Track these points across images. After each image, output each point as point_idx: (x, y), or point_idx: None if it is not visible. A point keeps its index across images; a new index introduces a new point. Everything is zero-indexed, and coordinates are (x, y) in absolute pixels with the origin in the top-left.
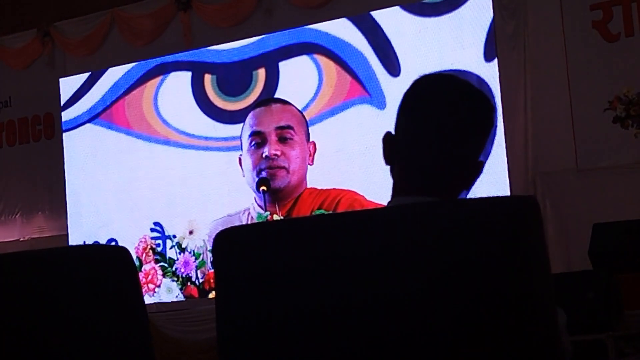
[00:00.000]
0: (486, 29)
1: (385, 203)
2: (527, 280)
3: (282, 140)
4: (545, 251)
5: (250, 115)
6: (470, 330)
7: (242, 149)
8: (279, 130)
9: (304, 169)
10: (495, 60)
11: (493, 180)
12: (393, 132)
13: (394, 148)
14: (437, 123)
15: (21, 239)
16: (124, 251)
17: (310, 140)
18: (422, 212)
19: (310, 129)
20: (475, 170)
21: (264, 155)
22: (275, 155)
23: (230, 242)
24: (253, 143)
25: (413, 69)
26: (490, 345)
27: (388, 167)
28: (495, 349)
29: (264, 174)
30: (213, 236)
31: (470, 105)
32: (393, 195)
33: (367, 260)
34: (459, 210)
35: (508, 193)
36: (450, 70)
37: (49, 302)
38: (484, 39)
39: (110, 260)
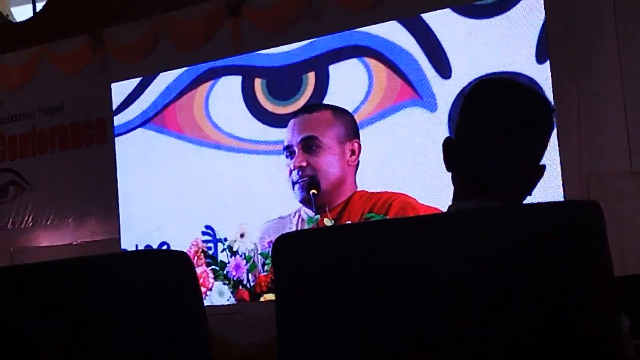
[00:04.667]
0: (538, 31)
1: (437, 206)
2: (592, 286)
3: (307, 150)
4: (609, 256)
5: (287, 127)
6: (534, 336)
7: None
8: (303, 142)
9: (342, 171)
10: (548, 62)
11: (546, 183)
12: (453, 137)
13: (454, 153)
14: (498, 126)
15: (74, 243)
16: (184, 256)
17: (352, 139)
18: (484, 216)
19: (361, 132)
20: (536, 173)
21: (293, 167)
22: (301, 166)
23: (289, 247)
24: (288, 156)
25: (464, 71)
26: (556, 351)
27: (439, 170)
28: (560, 355)
29: (297, 186)
30: (264, 239)
31: (531, 107)
32: (454, 200)
33: (429, 266)
34: (521, 215)
35: (561, 196)
36: (502, 72)
37: (110, 308)
38: (535, 41)
39: (172, 264)
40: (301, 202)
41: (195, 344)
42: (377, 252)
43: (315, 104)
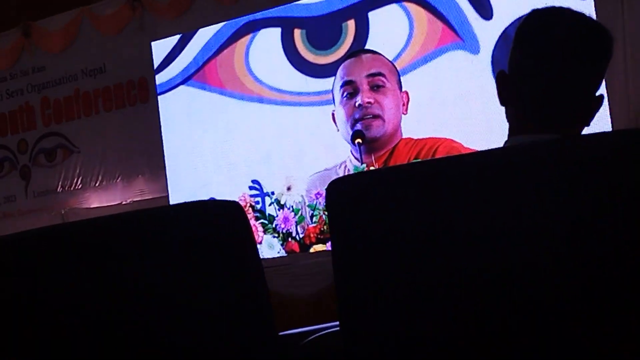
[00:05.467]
0: None
1: (483, 149)
2: None
3: (374, 88)
4: None
5: (341, 67)
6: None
7: (334, 102)
8: (370, 77)
9: (398, 118)
10: None
11: (594, 121)
12: (506, 71)
13: (509, 86)
14: (553, 57)
15: (123, 202)
16: (237, 205)
17: (403, 90)
18: (542, 150)
19: (403, 78)
20: (594, 104)
21: (356, 105)
22: (369, 103)
23: (343, 190)
24: (345, 94)
25: (505, 11)
26: (625, 282)
27: (485, 113)
28: (629, 284)
29: (358, 125)
30: (311, 191)
31: (588, 36)
32: (510, 135)
33: (487, 204)
34: (583, 146)
35: (610, 129)
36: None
37: (163, 262)
38: None
39: (225, 214)
40: (352, 140)
41: (254, 293)
42: (434, 192)
43: (372, 49)
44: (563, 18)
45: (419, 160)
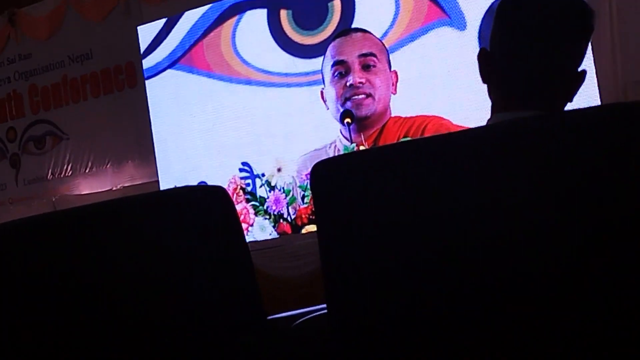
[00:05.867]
0: None
1: (472, 126)
2: None
3: (366, 67)
4: None
5: (330, 46)
6: (592, 249)
7: (324, 82)
8: (362, 57)
9: (388, 97)
10: None
11: (582, 91)
12: (488, 48)
13: (491, 64)
14: (534, 32)
15: (113, 189)
16: (221, 189)
17: (392, 69)
18: (528, 126)
19: (390, 56)
20: (577, 79)
21: (348, 84)
22: (360, 83)
23: (327, 173)
24: (336, 73)
25: None
26: (618, 254)
27: (472, 90)
28: (623, 256)
29: (349, 103)
30: (301, 172)
31: (568, 11)
32: (493, 113)
33: (471, 182)
34: (567, 122)
35: (598, 104)
36: None
37: (150, 248)
38: None
39: (209, 199)
40: (341, 120)
41: (241, 277)
42: (418, 171)
43: (361, 28)
44: None
45: (407, 138)
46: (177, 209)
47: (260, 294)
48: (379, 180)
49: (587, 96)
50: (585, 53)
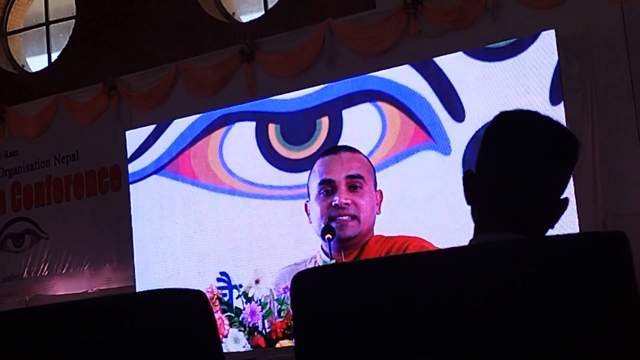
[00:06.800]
0: (551, 73)
1: None
2: (621, 316)
3: (352, 188)
4: (637, 286)
5: (318, 162)
6: None
7: (309, 196)
8: (349, 179)
9: (372, 218)
10: (562, 104)
11: (562, 224)
12: (474, 170)
13: (476, 186)
14: (519, 158)
15: (89, 291)
16: (201, 294)
17: (377, 189)
18: (508, 249)
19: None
20: (559, 207)
21: (333, 204)
22: (346, 204)
23: (308, 283)
24: (322, 191)
25: (477, 114)
26: None
27: (455, 213)
28: None
29: (333, 224)
30: (279, 285)
31: (554, 140)
32: (475, 234)
33: (450, 300)
34: (547, 247)
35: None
36: None
37: (127, 347)
38: (549, 83)
39: (188, 302)
40: (322, 236)
41: None
42: (397, 287)
43: (351, 146)
44: (530, 121)
45: None
46: (154, 310)
47: None
48: (357, 293)
49: (568, 228)
50: (568, 181)
